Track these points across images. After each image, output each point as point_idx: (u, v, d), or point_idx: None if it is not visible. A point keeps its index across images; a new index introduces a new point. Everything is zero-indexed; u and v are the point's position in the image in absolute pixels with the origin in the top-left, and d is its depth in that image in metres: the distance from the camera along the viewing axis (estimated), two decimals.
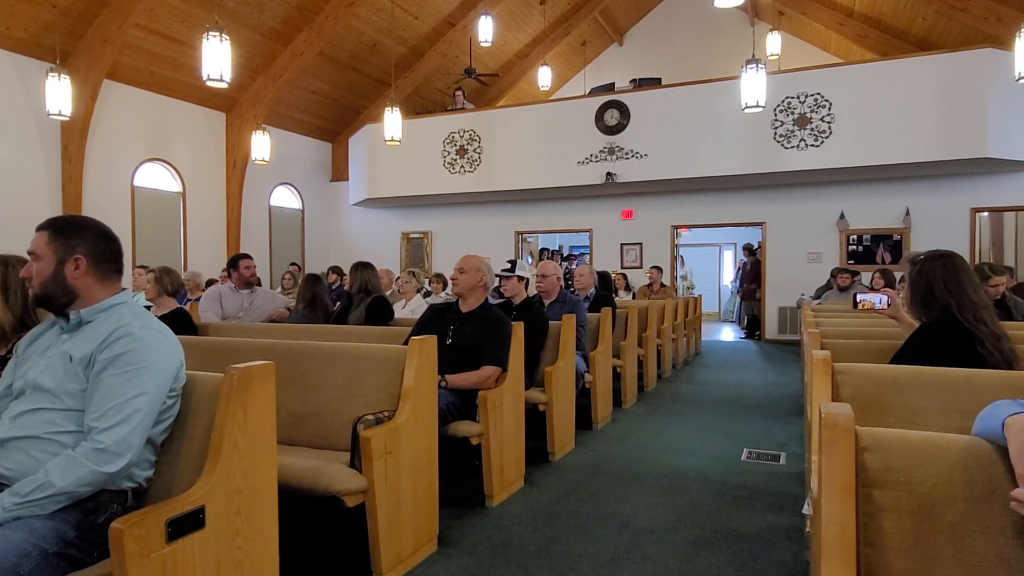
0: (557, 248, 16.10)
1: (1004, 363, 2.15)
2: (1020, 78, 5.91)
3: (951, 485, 1.19)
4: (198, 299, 5.78)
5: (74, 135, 8.73)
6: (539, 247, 15.53)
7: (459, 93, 12.79)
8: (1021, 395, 1.41)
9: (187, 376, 1.80)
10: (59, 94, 7.20)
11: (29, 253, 1.76)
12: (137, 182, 9.87)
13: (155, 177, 10.24)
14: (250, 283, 5.16)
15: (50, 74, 7.16)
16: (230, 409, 1.69)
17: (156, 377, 1.66)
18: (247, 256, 5.23)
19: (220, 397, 1.71)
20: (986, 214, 9.97)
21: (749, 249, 12.01)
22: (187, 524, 1.55)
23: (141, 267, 7.26)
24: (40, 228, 1.76)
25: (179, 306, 4.11)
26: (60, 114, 7.29)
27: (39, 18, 7.98)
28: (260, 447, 1.78)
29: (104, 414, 1.58)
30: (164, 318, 3.65)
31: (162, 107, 10.14)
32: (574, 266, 10.65)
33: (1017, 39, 5.86)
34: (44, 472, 1.53)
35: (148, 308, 3.64)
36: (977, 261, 8.84)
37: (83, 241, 1.75)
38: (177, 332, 1.91)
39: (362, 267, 4.81)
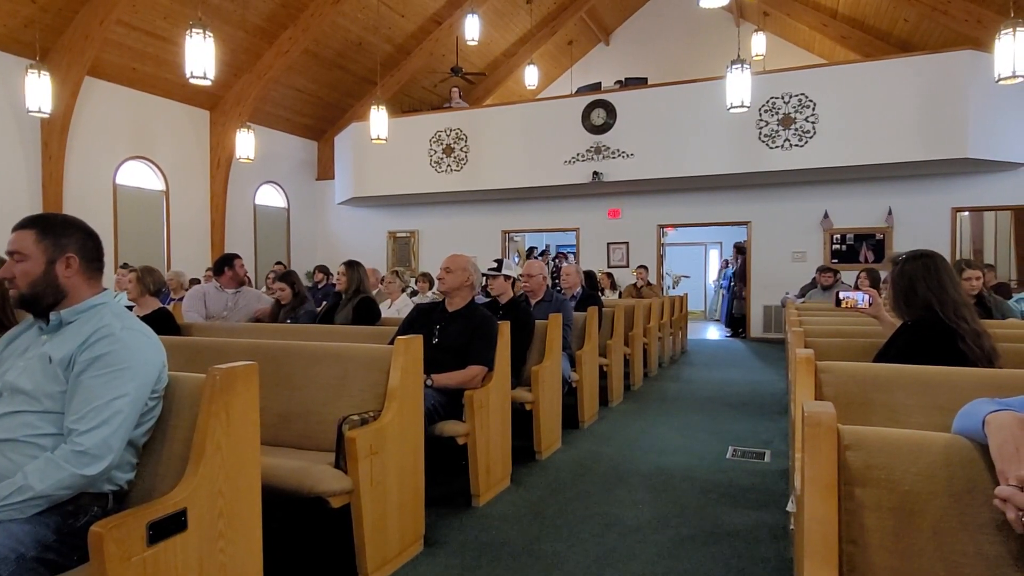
0: (545, 249, 16.09)
1: (985, 360, 2.18)
2: (1000, 79, 5.99)
3: (932, 482, 1.21)
4: (181, 299, 5.72)
5: (54, 132, 8.61)
6: (527, 246, 15.53)
7: (455, 90, 12.79)
8: (1001, 392, 1.43)
9: (169, 377, 1.78)
10: (39, 91, 7.10)
11: (10, 253, 1.70)
12: (119, 180, 9.76)
13: (138, 175, 10.13)
14: (243, 282, 5.13)
15: (29, 71, 7.06)
16: (212, 410, 1.67)
17: (137, 378, 1.64)
18: (239, 256, 5.21)
19: (202, 398, 1.69)
20: (967, 214, 10.10)
21: (739, 248, 12.06)
22: (169, 527, 1.54)
23: (123, 266, 7.18)
24: (22, 227, 1.70)
25: (162, 306, 4.05)
26: (40, 111, 7.19)
27: (18, 13, 7.86)
28: (243, 448, 1.76)
29: (84, 416, 1.55)
30: (146, 318, 3.61)
31: (145, 105, 10.03)
32: (564, 264, 10.66)
33: (997, 41, 5.94)
34: (23, 475, 1.51)
35: (130, 308, 3.60)
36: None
37: (73, 240, 1.72)
38: (160, 332, 1.88)
39: (356, 266, 4.78)
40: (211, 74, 5.91)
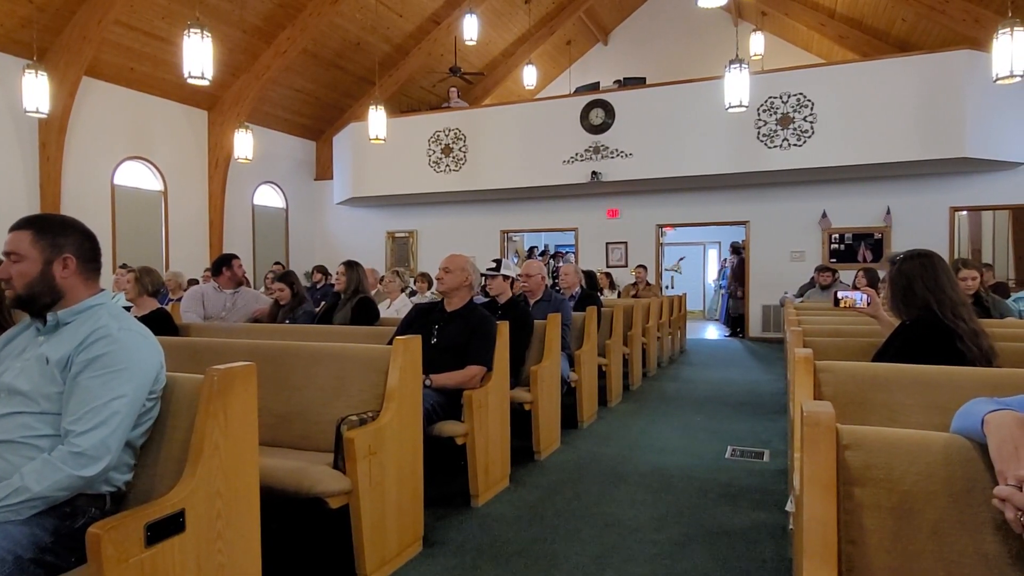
0: (544, 248, 16.10)
1: (983, 359, 2.18)
2: (998, 79, 6.00)
3: (931, 482, 1.20)
4: (179, 299, 5.71)
5: (52, 133, 8.59)
6: (526, 246, 15.54)
7: (453, 90, 12.78)
8: (1000, 391, 1.43)
9: (167, 378, 1.77)
10: (36, 91, 7.09)
11: (7, 254, 1.69)
12: (117, 180, 9.74)
13: (136, 176, 10.12)
14: (241, 282, 5.13)
15: (27, 71, 7.05)
16: (211, 411, 1.67)
17: (135, 379, 1.64)
18: (237, 256, 5.20)
19: (200, 399, 1.69)
20: (965, 213, 10.12)
21: (735, 248, 12.05)
22: (167, 528, 1.53)
23: (122, 267, 7.17)
24: (18, 227, 1.70)
25: (160, 307, 4.05)
26: (37, 111, 7.18)
27: (15, 13, 7.84)
28: (242, 449, 1.76)
29: (81, 417, 1.55)
30: (144, 319, 3.61)
31: (143, 105, 10.01)
32: (562, 263, 10.66)
33: (994, 41, 5.95)
34: (20, 476, 1.50)
35: (128, 309, 3.59)
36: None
37: (70, 240, 1.72)
38: (158, 333, 1.88)
39: (355, 266, 4.77)
40: (209, 74, 5.90)
